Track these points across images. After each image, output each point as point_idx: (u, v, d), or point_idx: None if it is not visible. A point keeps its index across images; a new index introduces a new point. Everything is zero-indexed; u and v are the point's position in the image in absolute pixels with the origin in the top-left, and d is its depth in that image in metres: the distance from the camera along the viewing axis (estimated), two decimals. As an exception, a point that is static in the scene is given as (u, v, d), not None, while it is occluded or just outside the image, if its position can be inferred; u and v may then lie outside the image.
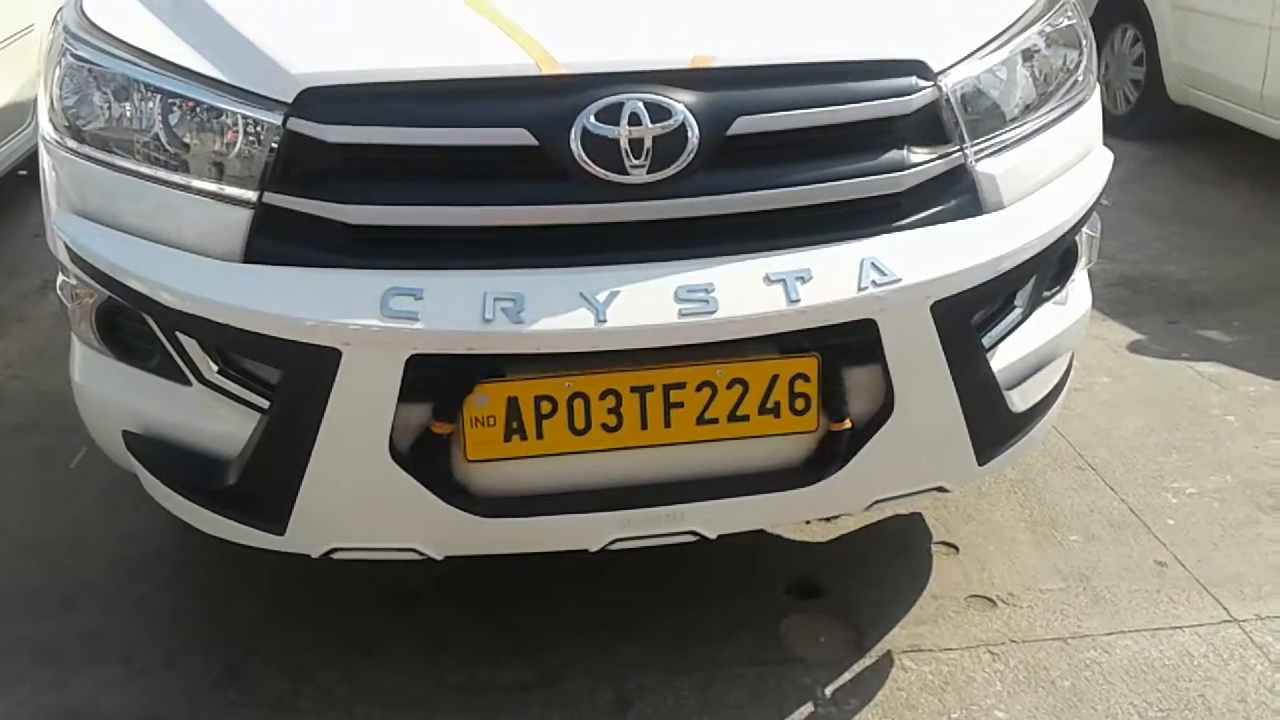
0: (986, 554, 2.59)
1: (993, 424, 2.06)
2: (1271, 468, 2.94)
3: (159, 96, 1.92)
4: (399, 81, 1.85)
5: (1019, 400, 2.12)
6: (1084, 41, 2.29)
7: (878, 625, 2.35)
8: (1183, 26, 5.62)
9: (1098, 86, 2.36)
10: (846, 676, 2.22)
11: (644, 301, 1.79)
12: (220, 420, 1.95)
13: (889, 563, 2.55)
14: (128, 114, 1.96)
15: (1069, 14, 2.28)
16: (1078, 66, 2.26)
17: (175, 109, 1.91)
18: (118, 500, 2.80)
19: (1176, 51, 5.66)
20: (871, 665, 2.24)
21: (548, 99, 1.85)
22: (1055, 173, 2.15)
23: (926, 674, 2.22)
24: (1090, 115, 2.30)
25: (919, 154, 1.97)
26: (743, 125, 1.86)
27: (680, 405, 1.88)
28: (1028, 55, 2.15)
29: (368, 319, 1.75)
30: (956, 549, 2.61)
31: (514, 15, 1.98)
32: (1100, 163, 2.26)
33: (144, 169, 1.94)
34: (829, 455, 1.96)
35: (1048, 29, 2.21)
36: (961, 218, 1.99)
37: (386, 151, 1.83)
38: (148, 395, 2.02)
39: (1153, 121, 5.90)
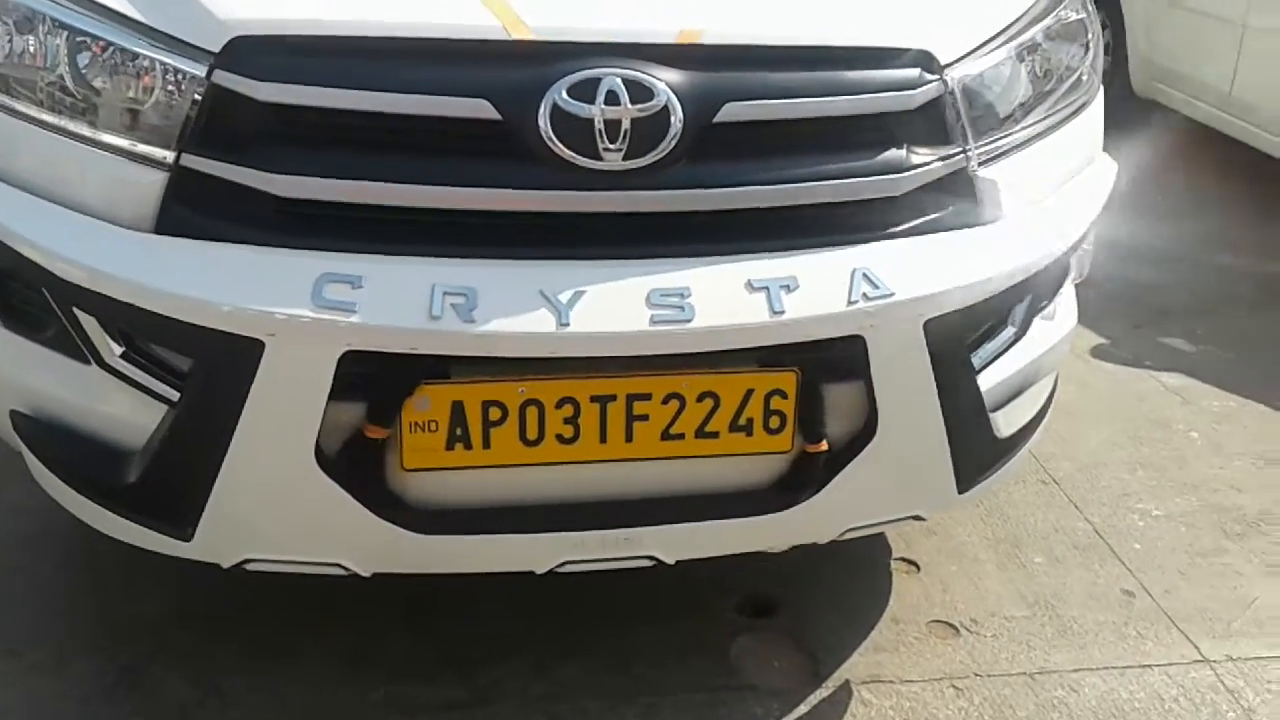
0: (948, 575, 2.45)
1: (976, 450, 1.91)
2: (1237, 492, 2.84)
3: (65, 34, 1.67)
4: (345, 36, 1.62)
5: (1003, 424, 1.96)
6: (1090, 38, 2.13)
7: (835, 651, 2.20)
8: (1152, 18, 5.51)
9: (1101, 88, 2.20)
10: (802, 709, 2.06)
11: (612, 304, 1.60)
12: (123, 407, 1.71)
13: (847, 580, 2.40)
14: (30, 50, 1.70)
15: (1077, 7, 2.11)
16: (1083, 64, 2.09)
17: (85, 49, 1.66)
18: (7, 471, 2.55)
19: (1144, 43, 5.56)
20: (828, 697, 2.09)
21: (514, 68, 1.63)
22: (1059, 180, 1.99)
23: (887, 709, 2.07)
24: (1095, 119, 2.14)
25: (919, 154, 1.79)
26: (731, 112, 1.67)
27: (644, 418, 1.69)
28: (1032, 49, 1.98)
29: (297, 308, 1.54)
30: (917, 567, 2.46)
31: None
32: (1105, 172, 2.11)
33: (45, 116, 1.68)
34: (803, 479, 1.79)
35: (1055, 23, 2.04)
36: (960, 227, 1.81)
37: (325, 115, 1.61)
38: (40, 371, 1.78)
39: (1114, 113, 5.79)
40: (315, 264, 1.57)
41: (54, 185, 1.67)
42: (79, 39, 1.66)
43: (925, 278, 1.72)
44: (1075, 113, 2.06)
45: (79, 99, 1.66)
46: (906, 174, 1.76)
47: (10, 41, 1.71)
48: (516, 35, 1.64)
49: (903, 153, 1.77)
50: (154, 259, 1.58)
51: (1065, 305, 2.20)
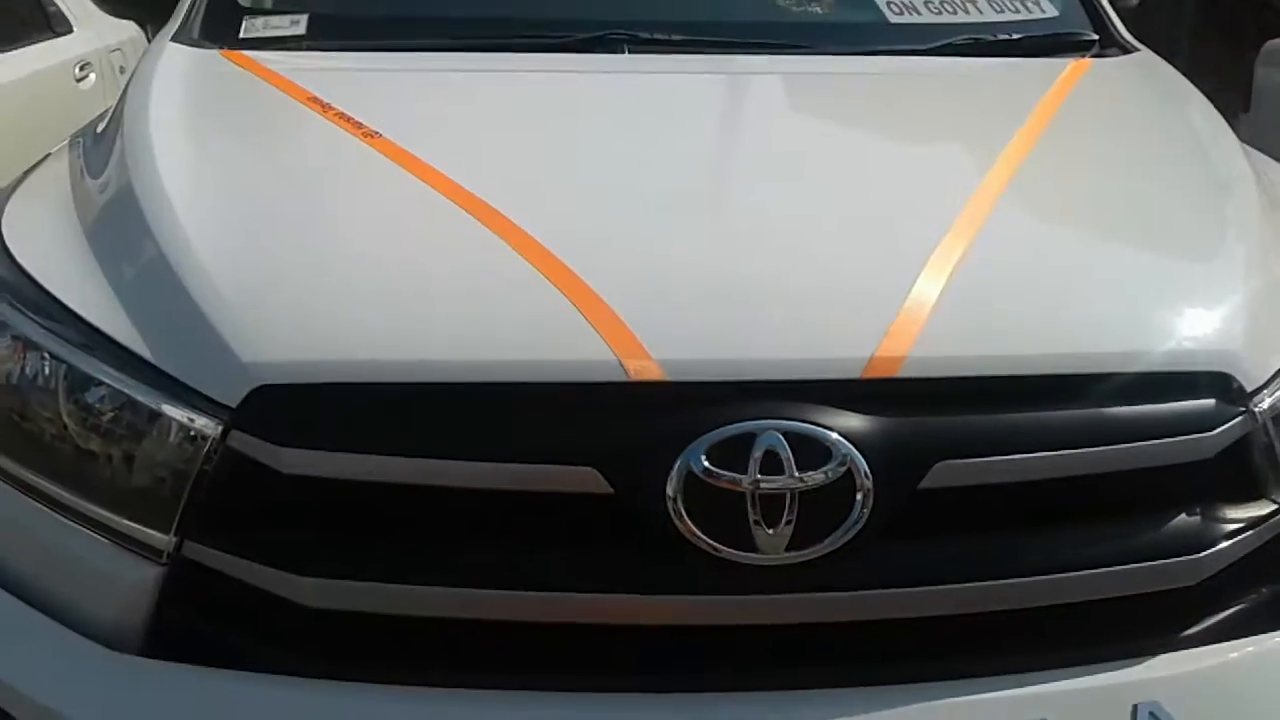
0: None
1: None
2: None
3: (49, 361, 1.29)
4: (399, 383, 1.17)
5: None
6: None
7: None
8: None
9: None
10: None
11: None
12: None
13: None
14: (11, 383, 1.33)
15: None
16: None
17: (75, 391, 1.27)
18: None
19: None
20: None
21: (634, 420, 1.16)
22: None
23: None
24: None
25: (1221, 520, 1.23)
26: (945, 475, 1.15)
27: None
28: None
29: None
30: None
31: (585, 270, 1.25)
32: None
33: (9, 466, 1.29)
34: None
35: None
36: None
37: (370, 494, 1.16)
38: None
39: None
40: (360, 708, 1.11)
41: (19, 569, 1.26)
42: (58, 364, 1.27)
43: (1241, 713, 1.15)
44: None
45: (57, 457, 1.26)
46: (1205, 553, 1.20)
47: None
48: (638, 374, 1.16)
49: (1196, 520, 1.22)
50: (134, 701, 1.14)
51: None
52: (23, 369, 1.32)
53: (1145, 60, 2.09)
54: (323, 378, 1.17)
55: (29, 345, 1.32)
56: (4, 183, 3.25)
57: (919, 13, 2.08)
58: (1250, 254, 1.45)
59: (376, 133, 1.54)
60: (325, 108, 1.63)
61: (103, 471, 1.23)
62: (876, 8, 2.09)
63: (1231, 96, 5.77)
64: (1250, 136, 4.56)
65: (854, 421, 1.15)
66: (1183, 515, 1.22)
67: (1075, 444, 1.18)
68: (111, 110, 1.82)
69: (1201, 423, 1.22)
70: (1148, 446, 1.20)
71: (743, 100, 1.91)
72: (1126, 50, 2.10)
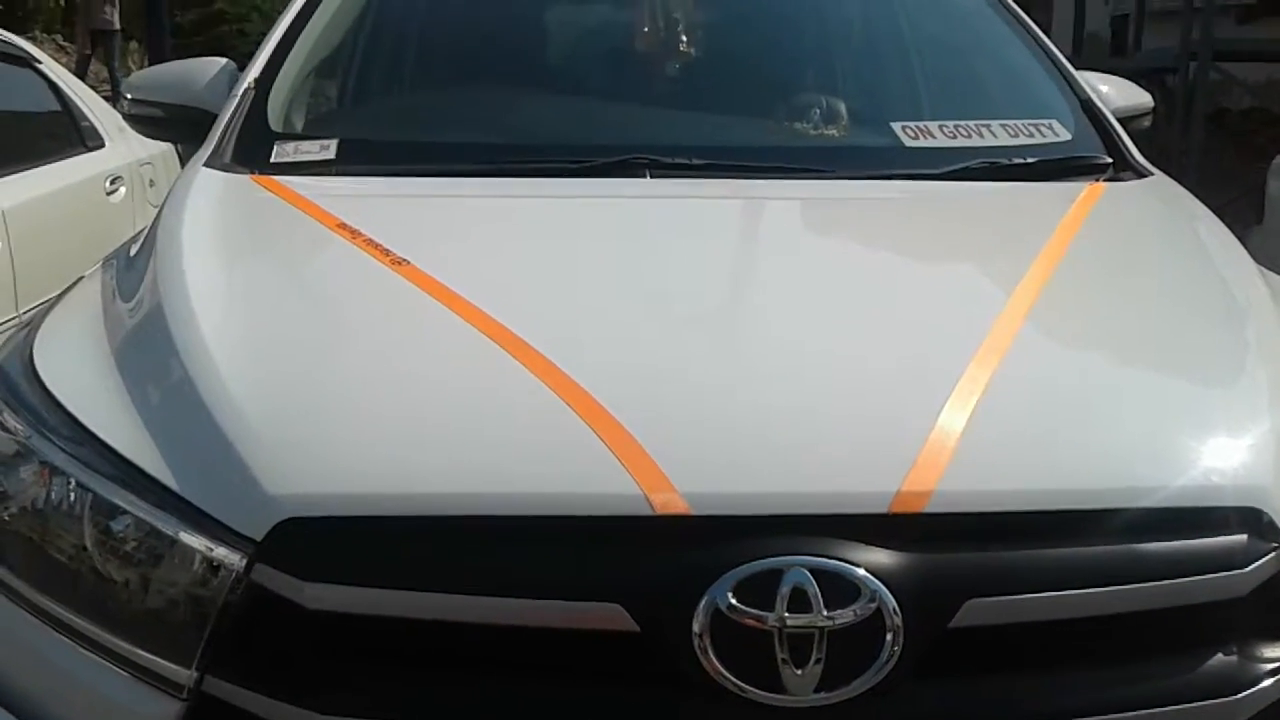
0: None
1: None
2: None
3: (74, 488, 1.29)
4: (420, 515, 1.17)
5: None
6: None
7: None
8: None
9: None
10: None
11: None
12: None
13: None
14: (35, 507, 1.33)
15: None
16: None
17: (91, 510, 1.27)
18: None
19: None
20: None
21: (659, 555, 1.15)
22: None
23: None
24: None
25: (1260, 660, 1.20)
26: (977, 613, 1.13)
27: None
28: None
29: None
30: None
31: (611, 401, 1.25)
32: None
33: (31, 594, 1.28)
34: None
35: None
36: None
37: (394, 628, 1.14)
38: None
39: None
40: None
41: (31, 695, 1.25)
42: (91, 502, 1.26)
43: None
44: None
45: (78, 585, 1.25)
46: (1243, 694, 1.17)
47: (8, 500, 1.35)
48: (663, 508, 1.16)
49: (1234, 659, 1.20)
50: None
51: None
52: (48, 495, 1.32)
53: (1160, 184, 2.10)
54: (348, 511, 1.17)
55: (55, 471, 1.32)
56: (34, 289, 3.32)
57: (934, 137, 2.11)
58: (1274, 382, 1.44)
59: (405, 259, 1.56)
60: (354, 234, 1.65)
61: (124, 601, 1.23)
62: (892, 132, 2.12)
63: (1244, 206, 5.83)
64: (1265, 247, 4.60)
65: (882, 557, 1.14)
66: (1219, 655, 1.20)
67: (1107, 581, 1.17)
68: (145, 233, 1.86)
69: (1233, 559, 1.20)
70: (1180, 584, 1.18)
71: (764, 225, 1.93)
72: (1141, 174, 2.12)
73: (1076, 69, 2.45)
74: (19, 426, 1.39)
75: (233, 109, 2.07)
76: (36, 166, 3.78)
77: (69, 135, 4.11)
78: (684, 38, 2.41)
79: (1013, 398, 1.32)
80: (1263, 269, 1.82)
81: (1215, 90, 8.42)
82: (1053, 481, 1.23)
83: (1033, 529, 1.19)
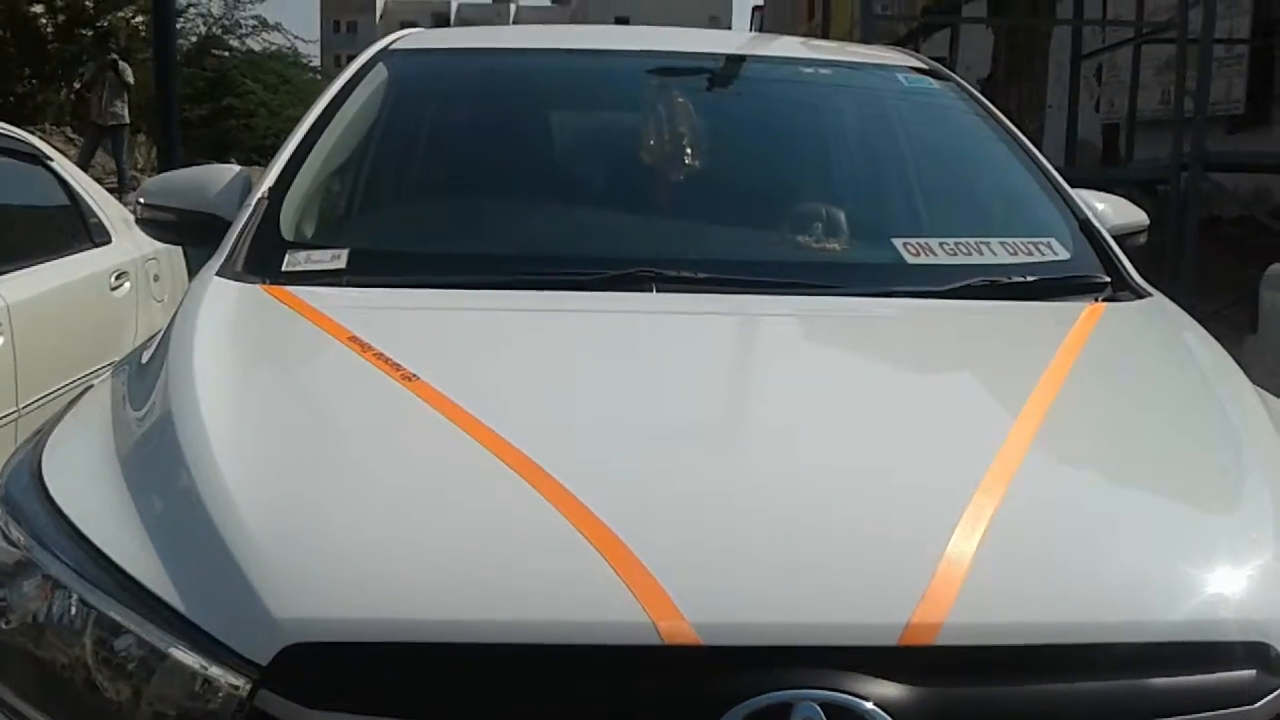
0: None
1: None
2: None
3: (76, 604, 1.28)
4: (427, 642, 1.16)
5: None
6: None
7: None
8: None
9: None
10: None
11: None
12: None
13: None
14: (37, 622, 1.32)
15: None
16: None
17: (93, 627, 1.26)
18: None
19: None
20: None
21: (667, 685, 1.14)
22: None
23: None
24: None
25: (1271, 797, 1.19)
26: (984, 746, 1.13)
27: None
28: None
29: None
30: None
31: (621, 527, 1.25)
32: None
33: (28, 710, 1.27)
34: None
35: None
36: None
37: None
38: None
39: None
40: None
41: None
42: (93, 620, 1.26)
43: None
44: None
45: (76, 703, 1.24)
46: (1255, 834, 1.16)
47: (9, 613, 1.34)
48: (673, 637, 1.15)
49: (1246, 796, 1.19)
50: None
51: None
52: (49, 609, 1.31)
53: (1159, 306, 2.13)
54: (355, 637, 1.17)
55: (58, 586, 1.32)
56: (35, 382, 3.31)
57: (935, 254, 2.13)
58: (1278, 509, 1.45)
59: (414, 375, 1.57)
60: (364, 348, 1.66)
61: (122, 721, 1.22)
62: (894, 248, 2.15)
63: (1238, 312, 5.89)
64: (1260, 357, 4.61)
65: (891, 691, 1.14)
66: (1231, 791, 1.18)
67: (1115, 716, 1.16)
68: (155, 340, 1.87)
69: (1241, 695, 1.20)
70: (1190, 720, 1.17)
71: (769, 342, 1.95)
72: (1139, 294, 2.14)
73: (1070, 179, 2.50)
74: (23, 538, 1.39)
75: (246, 217, 2.09)
76: (44, 261, 3.81)
77: (76, 231, 4.15)
78: (689, 151, 2.45)
79: (1020, 526, 1.32)
80: (1262, 391, 1.84)
81: (1207, 199, 8.57)
82: (1060, 614, 1.23)
83: (1040, 662, 1.18)
